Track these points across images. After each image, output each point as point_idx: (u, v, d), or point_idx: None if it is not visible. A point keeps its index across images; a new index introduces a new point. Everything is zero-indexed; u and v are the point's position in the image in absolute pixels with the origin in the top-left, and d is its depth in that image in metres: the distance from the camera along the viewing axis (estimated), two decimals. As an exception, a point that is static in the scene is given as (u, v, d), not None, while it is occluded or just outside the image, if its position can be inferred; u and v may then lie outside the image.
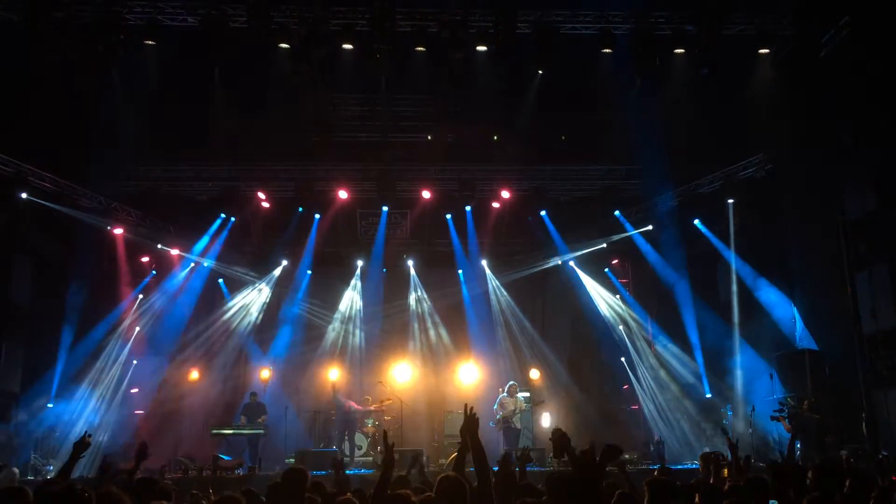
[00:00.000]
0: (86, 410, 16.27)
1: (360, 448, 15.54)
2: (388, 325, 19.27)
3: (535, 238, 18.91)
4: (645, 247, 18.11)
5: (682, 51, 13.64)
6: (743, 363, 15.62)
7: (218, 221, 17.93)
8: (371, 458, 15.17)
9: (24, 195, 14.75)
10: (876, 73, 11.99)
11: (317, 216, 18.33)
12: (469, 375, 18.41)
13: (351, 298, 19.32)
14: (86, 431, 6.69)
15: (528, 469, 13.22)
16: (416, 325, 19.32)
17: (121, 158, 16.23)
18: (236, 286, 18.99)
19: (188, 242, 18.23)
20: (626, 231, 18.19)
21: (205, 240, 18.03)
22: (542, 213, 18.47)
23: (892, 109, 11.65)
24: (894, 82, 11.55)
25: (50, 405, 15.59)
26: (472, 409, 5.03)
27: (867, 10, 12.09)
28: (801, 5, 13.04)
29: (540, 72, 14.72)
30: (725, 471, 7.00)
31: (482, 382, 18.19)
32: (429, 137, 17.51)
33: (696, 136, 15.60)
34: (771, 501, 5.35)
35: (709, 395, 16.63)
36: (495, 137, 17.30)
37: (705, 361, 16.80)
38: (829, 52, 13.01)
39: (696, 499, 5.50)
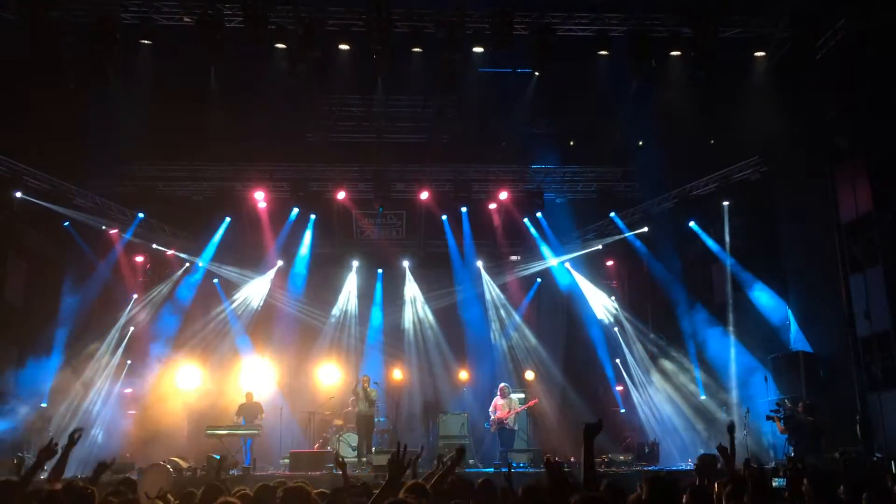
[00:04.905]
0: (80, 411, 16.22)
1: (354, 449, 15.46)
2: (383, 326, 19.25)
3: (530, 239, 18.92)
4: (640, 248, 18.15)
5: (678, 53, 13.65)
6: (737, 365, 15.63)
7: (214, 221, 17.91)
8: (366, 459, 15.10)
9: (18, 194, 14.73)
10: (871, 75, 12.03)
11: (313, 216, 18.33)
12: (463, 376, 18.46)
13: (346, 299, 19.31)
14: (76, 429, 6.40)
15: (522, 471, 13.20)
16: (411, 326, 19.33)
17: (117, 158, 16.19)
18: (232, 286, 18.94)
19: (184, 242, 18.24)
20: (621, 233, 18.21)
21: (200, 240, 18.04)
22: (538, 214, 18.50)
23: (887, 112, 11.68)
24: (889, 84, 11.58)
25: (44, 405, 15.53)
26: (404, 447, 5.18)
27: (863, 13, 12.12)
28: (797, 8, 13.05)
29: (536, 73, 14.76)
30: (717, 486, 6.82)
31: (477, 383, 18.22)
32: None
33: (692, 138, 15.66)
34: None
35: (703, 397, 16.65)
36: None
37: (700, 363, 16.81)
38: (825, 55, 13.04)
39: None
